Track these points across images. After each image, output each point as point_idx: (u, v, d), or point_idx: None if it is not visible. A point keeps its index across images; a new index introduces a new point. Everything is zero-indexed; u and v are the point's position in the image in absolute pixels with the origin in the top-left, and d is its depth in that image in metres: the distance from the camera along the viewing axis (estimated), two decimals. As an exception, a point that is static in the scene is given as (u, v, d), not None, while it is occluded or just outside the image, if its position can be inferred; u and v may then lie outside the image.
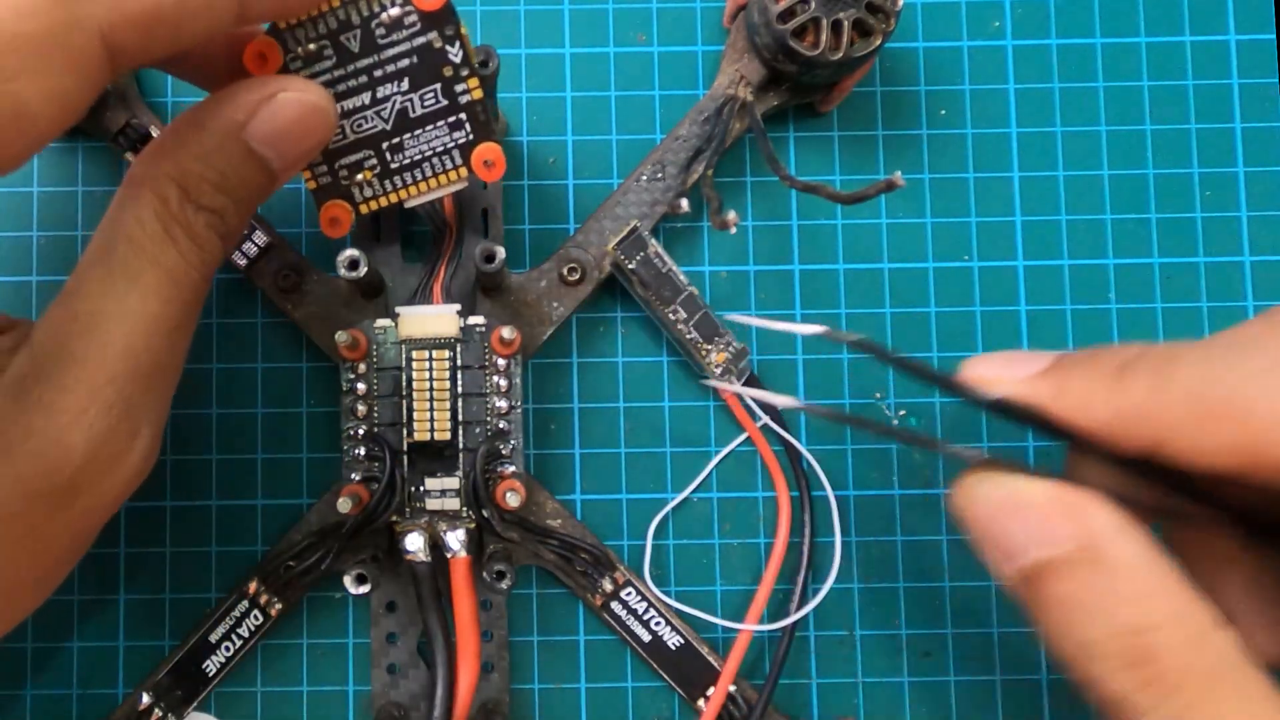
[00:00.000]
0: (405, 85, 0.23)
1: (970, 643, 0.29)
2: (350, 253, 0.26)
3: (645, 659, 0.28)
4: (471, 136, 0.24)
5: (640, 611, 0.28)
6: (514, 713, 0.29)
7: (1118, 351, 0.19)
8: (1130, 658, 0.18)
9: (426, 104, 0.23)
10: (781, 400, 0.22)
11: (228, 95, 0.21)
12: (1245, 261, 0.30)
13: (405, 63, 0.23)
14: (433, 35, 0.22)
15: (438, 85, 0.23)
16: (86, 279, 0.20)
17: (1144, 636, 0.17)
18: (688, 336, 0.28)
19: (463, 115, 0.23)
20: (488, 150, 0.24)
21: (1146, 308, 0.30)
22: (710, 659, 0.28)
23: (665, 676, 0.28)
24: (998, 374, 0.20)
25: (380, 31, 0.22)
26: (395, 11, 0.22)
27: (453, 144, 0.24)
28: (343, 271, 0.26)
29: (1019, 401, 0.19)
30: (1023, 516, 0.19)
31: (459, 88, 0.23)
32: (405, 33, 0.22)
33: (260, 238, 0.28)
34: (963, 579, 0.29)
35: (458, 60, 0.23)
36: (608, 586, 0.28)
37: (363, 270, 0.26)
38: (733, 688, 0.28)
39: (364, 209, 0.24)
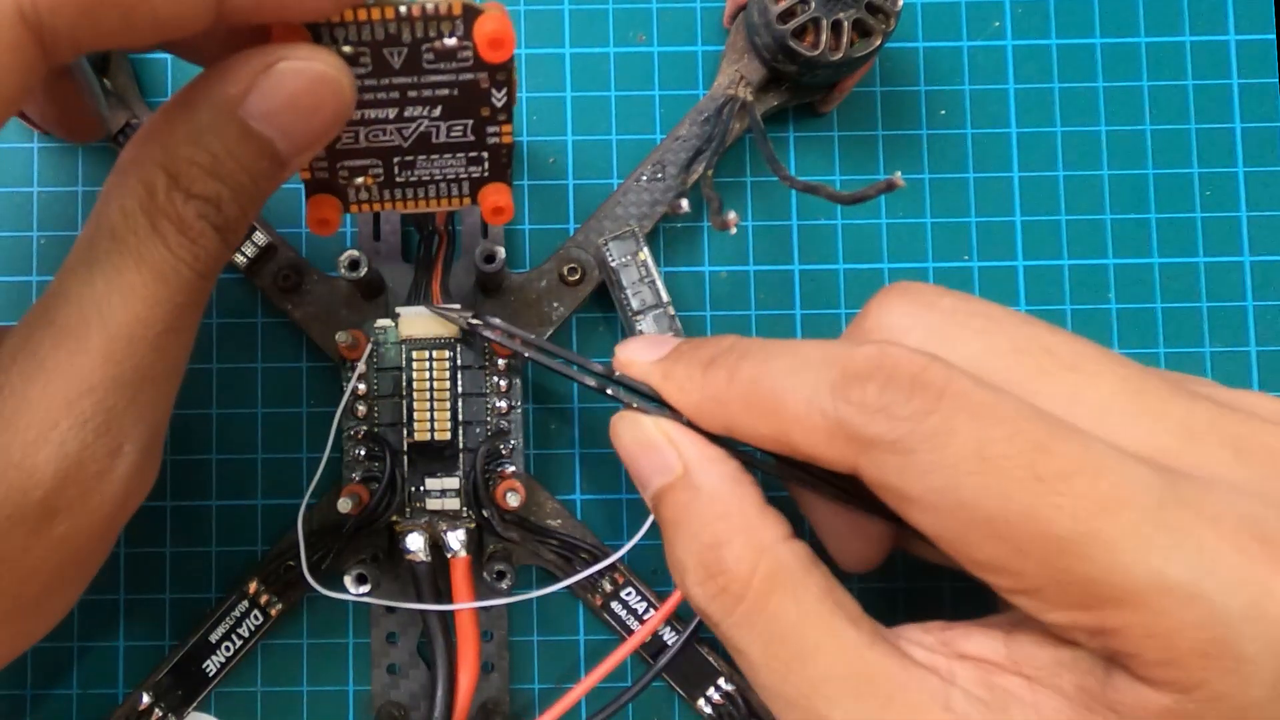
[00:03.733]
0: (436, 112, 0.21)
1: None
2: (351, 253, 0.26)
3: (645, 659, 0.28)
4: (487, 174, 0.23)
5: (640, 611, 0.28)
6: (514, 713, 0.29)
7: (714, 344, 0.21)
8: (706, 571, 0.20)
9: (453, 135, 0.22)
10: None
11: (223, 67, 0.18)
12: (1245, 261, 0.30)
13: (444, 92, 0.21)
14: (482, 75, 0.21)
15: (470, 121, 0.22)
16: (66, 280, 0.18)
17: (717, 551, 0.20)
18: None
19: (485, 154, 0.22)
20: (500, 195, 0.23)
21: (1146, 308, 0.30)
22: (710, 659, 0.28)
23: (665, 676, 0.28)
24: (631, 357, 0.23)
25: (429, 56, 0.20)
26: (451, 43, 0.20)
27: (466, 176, 0.23)
28: (343, 271, 0.26)
29: (637, 382, 0.23)
30: (645, 451, 0.22)
31: (491, 129, 0.22)
32: (454, 64, 0.20)
33: (260, 238, 0.28)
34: (962, 580, 0.29)
35: (499, 105, 0.21)
36: (608, 586, 0.28)
37: (363, 270, 0.26)
38: (731, 687, 0.28)
39: (354, 209, 0.23)
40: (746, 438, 0.20)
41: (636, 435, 0.22)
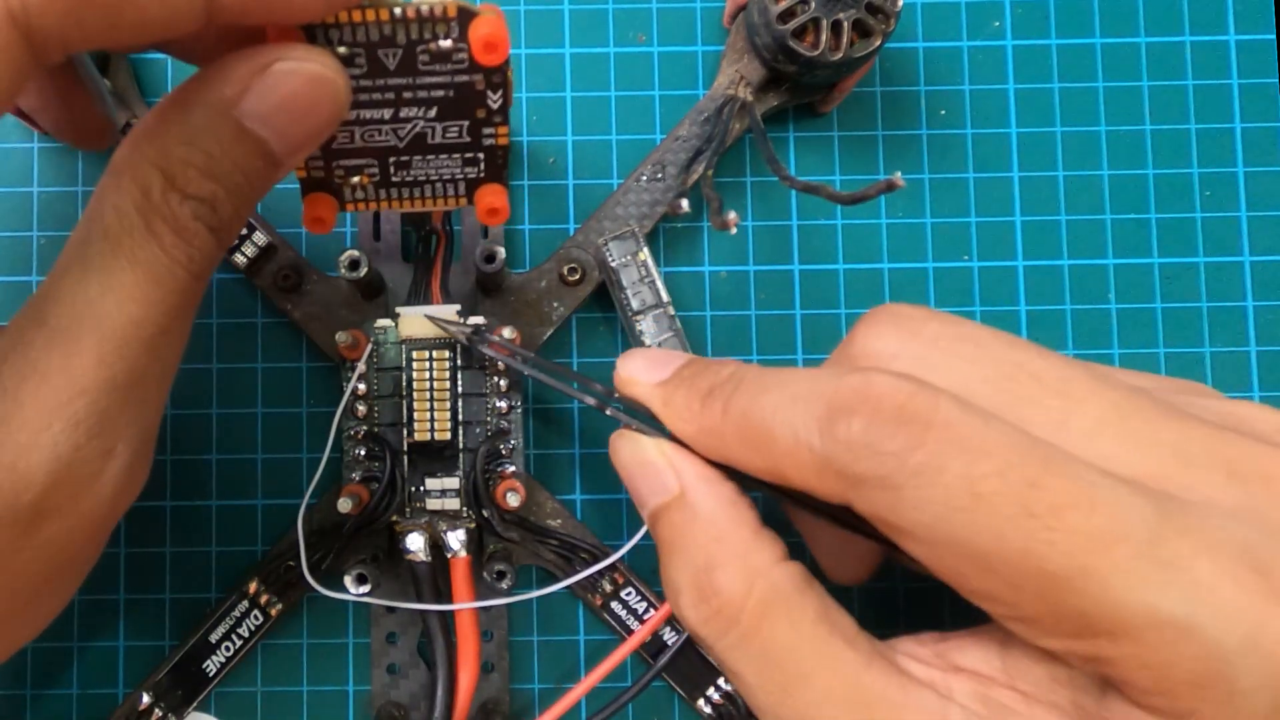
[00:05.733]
0: (432, 113, 0.21)
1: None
2: (351, 253, 0.26)
3: (645, 659, 0.28)
4: (483, 175, 0.23)
5: (640, 611, 0.28)
6: (514, 713, 0.29)
7: (715, 372, 0.21)
8: (699, 593, 0.20)
9: (449, 136, 0.22)
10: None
11: (218, 68, 0.18)
12: (1245, 261, 0.30)
13: (439, 93, 0.21)
14: (477, 77, 0.20)
15: (465, 122, 0.21)
16: (59, 281, 0.18)
17: (711, 573, 0.20)
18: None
19: (481, 155, 0.22)
20: (495, 196, 0.23)
21: (1146, 308, 0.30)
22: (710, 659, 0.28)
23: (665, 676, 0.28)
24: (633, 376, 0.23)
25: (424, 58, 0.20)
26: (446, 45, 0.20)
27: (462, 176, 0.23)
28: (343, 271, 0.27)
29: (638, 403, 0.22)
30: (644, 471, 0.21)
31: (486, 130, 0.22)
32: (449, 66, 0.20)
33: (260, 238, 0.28)
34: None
35: (495, 106, 0.21)
36: (607, 586, 0.28)
37: (363, 270, 0.26)
38: (731, 687, 0.28)
39: (350, 208, 0.23)
40: (743, 469, 0.20)
41: (635, 454, 0.22)
